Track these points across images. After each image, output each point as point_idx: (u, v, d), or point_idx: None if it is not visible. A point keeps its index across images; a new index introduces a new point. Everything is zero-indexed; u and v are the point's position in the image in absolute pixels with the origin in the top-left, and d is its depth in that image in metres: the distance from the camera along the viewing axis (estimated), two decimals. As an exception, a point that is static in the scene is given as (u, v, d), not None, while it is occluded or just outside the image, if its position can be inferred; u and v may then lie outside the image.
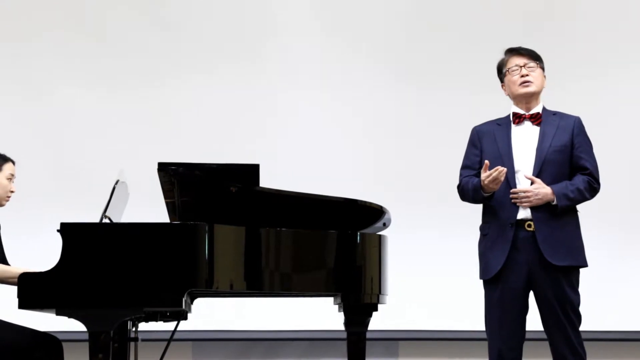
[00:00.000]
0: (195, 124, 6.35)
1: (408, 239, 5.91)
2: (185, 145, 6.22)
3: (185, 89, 6.40)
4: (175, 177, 4.27)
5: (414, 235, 6.11)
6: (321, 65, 6.44)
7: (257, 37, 6.44)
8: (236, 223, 4.05)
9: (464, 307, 6.08)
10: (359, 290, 4.24)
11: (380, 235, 4.37)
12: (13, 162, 4.49)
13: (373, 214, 4.44)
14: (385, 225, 4.54)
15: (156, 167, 4.23)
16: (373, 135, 6.42)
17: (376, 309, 4.31)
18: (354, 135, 6.41)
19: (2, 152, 4.51)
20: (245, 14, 6.46)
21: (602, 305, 5.88)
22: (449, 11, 6.50)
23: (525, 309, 4.32)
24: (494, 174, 4.19)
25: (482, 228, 4.44)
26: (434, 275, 6.19)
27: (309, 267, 4.17)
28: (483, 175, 4.25)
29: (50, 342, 4.26)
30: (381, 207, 4.42)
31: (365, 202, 4.39)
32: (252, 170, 4.27)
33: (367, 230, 4.42)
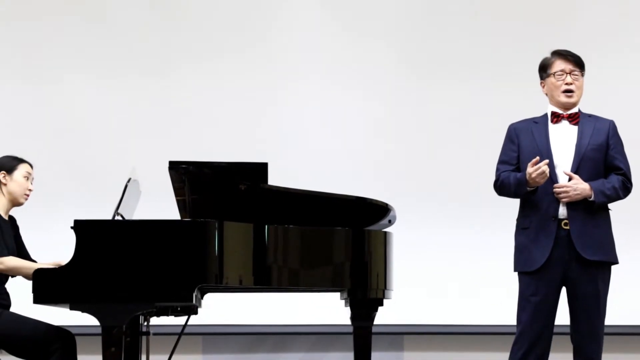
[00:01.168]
0: (204, 122, 6.35)
1: (413, 235, 5.90)
2: (194, 143, 6.22)
3: (195, 88, 6.39)
4: (186, 176, 4.29)
5: (419, 232, 6.11)
6: (329, 64, 6.43)
7: (265, 36, 6.43)
8: (245, 220, 4.06)
9: (467, 302, 6.09)
10: (365, 286, 4.25)
11: (385, 232, 4.38)
12: (30, 165, 4.53)
13: (379, 211, 4.45)
14: (390, 222, 4.55)
15: (167, 165, 4.25)
16: (378, 132, 6.41)
17: (382, 304, 4.33)
18: (360, 132, 6.40)
19: (20, 156, 4.55)
20: (253, 14, 6.45)
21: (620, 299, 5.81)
22: (458, 4, 6.49)
23: (556, 304, 4.33)
24: (543, 167, 4.20)
25: (520, 222, 4.43)
26: (439, 271, 6.19)
27: (317, 263, 4.19)
28: (530, 169, 4.24)
29: (65, 336, 4.26)
30: (387, 204, 4.43)
31: (371, 199, 4.41)
32: (261, 169, 4.28)
33: (372, 227, 4.43)
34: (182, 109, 6.37)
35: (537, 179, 4.25)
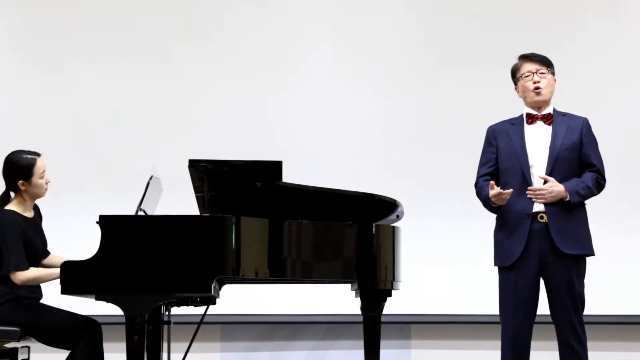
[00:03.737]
0: (219, 121, 6.34)
1: (420, 228, 5.87)
2: (209, 141, 6.22)
3: (210, 87, 6.36)
4: (205, 173, 4.30)
5: (425, 224, 6.09)
6: (338, 63, 6.40)
7: (276, 37, 6.42)
8: (261, 215, 4.08)
9: (472, 292, 6.08)
10: (374, 278, 4.26)
11: (393, 227, 4.39)
12: (39, 155, 4.43)
13: (387, 207, 4.45)
14: (398, 218, 4.55)
15: (186, 163, 4.27)
16: (387, 129, 6.38)
17: (390, 295, 4.34)
18: (370, 130, 6.38)
19: (27, 149, 4.46)
20: (264, 11, 6.45)
21: (601, 290, 5.82)
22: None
23: (536, 295, 4.35)
24: (504, 196, 4.28)
25: (498, 219, 4.47)
26: (445, 263, 6.17)
27: (328, 256, 4.20)
28: (491, 193, 4.31)
29: (91, 325, 4.29)
30: (395, 200, 4.44)
31: (380, 196, 4.41)
32: (276, 166, 4.30)
33: (381, 222, 4.43)
34: (197, 108, 6.36)
35: (497, 202, 4.33)
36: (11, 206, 4.37)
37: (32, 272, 4.27)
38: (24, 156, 4.39)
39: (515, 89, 4.56)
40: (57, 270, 4.00)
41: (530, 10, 6.40)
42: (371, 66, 6.42)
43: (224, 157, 4.47)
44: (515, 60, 4.58)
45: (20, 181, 4.36)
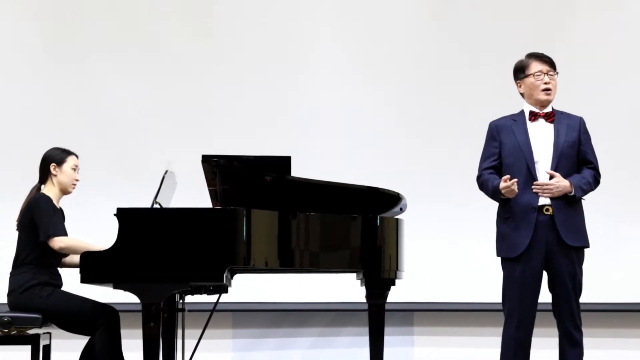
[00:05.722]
0: (232, 118, 6.36)
1: (423, 219, 5.89)
2: (222, 137, 6.25)
3: (224, 86, 6.39)
4: (217, 168, 4.33)
5: (428, 215, 6.11)
6: (345, 63, 6.42)
7: (286, 38, 6.45)
8: (270, 208, 4.12)
9: (473, 280, 6.11)
10: (378, 267, 4.29)
11: (397, 219, 4.42)
12: (77, 156, 4.57)
13: (391, 200, 4.48)
14: (401, 210, 4.57)
15: (199, 158, 4.30)
16: (390, 124, 6.40)
17: (394, 284, 4.37)
18: (376, 126, 6.40)
19: (66, 148, 4.59)
20: (273, 20, 6.48)
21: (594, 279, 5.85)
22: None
23: (539, 284, 4.36)
24: (512, 187, 4.26)
25: (501, 211, 4.45)
26: (447, 252, 6.19)
27: (335, 247, 4.23)
28: (502, 185, 4.29)
29: (109, 312, 4.33)
30: (398, 194, 4.46)
31: (384, 189, 4.44)
32: (285, 162, 4.33)
33: (386, 215, 4.46)
34: (211, 106, 6.39)
35: (508, 195, 4.31)
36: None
37: (71, 240, 4.33)
38: (62, 150, 4.55)
39: (518, 84, 4.52)
40: (94, 244, 4.11)
41: (539, 11, 6.43)
42: (378, 65, 6.43)
43: (235, 152, 4.51)
44: (514, 58, 4.59)
45: (53, 164, 4.47)
